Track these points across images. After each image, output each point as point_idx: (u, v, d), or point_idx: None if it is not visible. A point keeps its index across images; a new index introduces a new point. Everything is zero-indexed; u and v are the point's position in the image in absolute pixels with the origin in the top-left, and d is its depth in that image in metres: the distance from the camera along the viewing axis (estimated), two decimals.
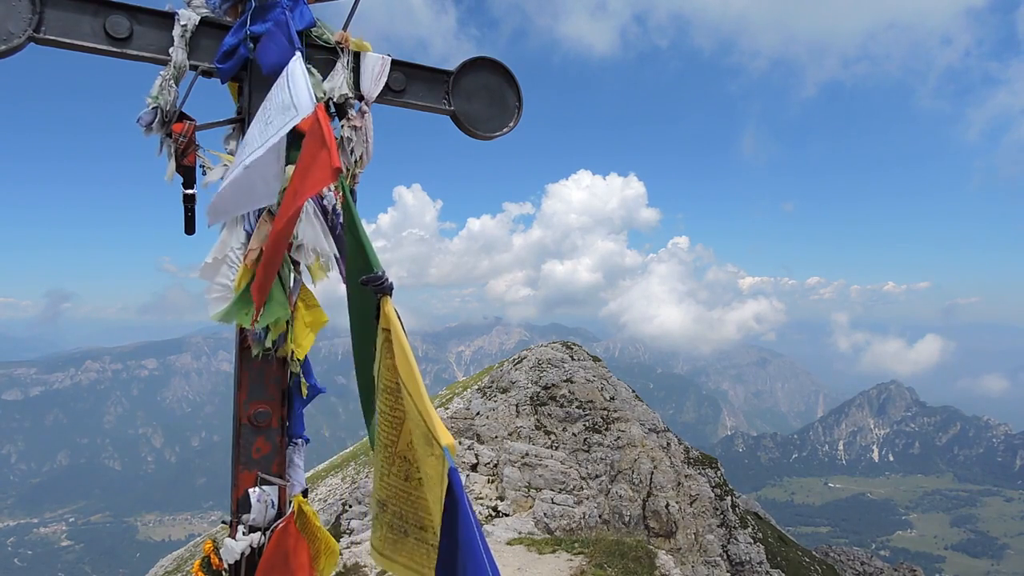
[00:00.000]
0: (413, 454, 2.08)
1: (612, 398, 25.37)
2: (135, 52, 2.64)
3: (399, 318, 2.09)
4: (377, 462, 2.32)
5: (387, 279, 2.14)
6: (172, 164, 2.64)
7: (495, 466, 20.65)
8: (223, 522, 2.85)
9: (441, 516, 1.78)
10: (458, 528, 1.65)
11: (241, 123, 2.81)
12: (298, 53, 2.55)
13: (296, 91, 2.38)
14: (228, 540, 2.67)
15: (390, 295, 2.14)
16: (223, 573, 2.73)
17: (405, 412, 2.05)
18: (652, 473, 22.88)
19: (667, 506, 22.17)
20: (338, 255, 2.88)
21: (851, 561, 37.75)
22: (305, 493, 2.84)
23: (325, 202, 2.85)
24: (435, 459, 1.79)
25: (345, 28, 2.96)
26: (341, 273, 2.83)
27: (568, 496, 20.30)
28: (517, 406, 24.33)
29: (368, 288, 2.15)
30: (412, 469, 2.14)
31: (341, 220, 2.85)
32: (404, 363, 1.96)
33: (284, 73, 2.45)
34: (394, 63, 3.07)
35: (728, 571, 24.03)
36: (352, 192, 2.91)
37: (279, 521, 2.69)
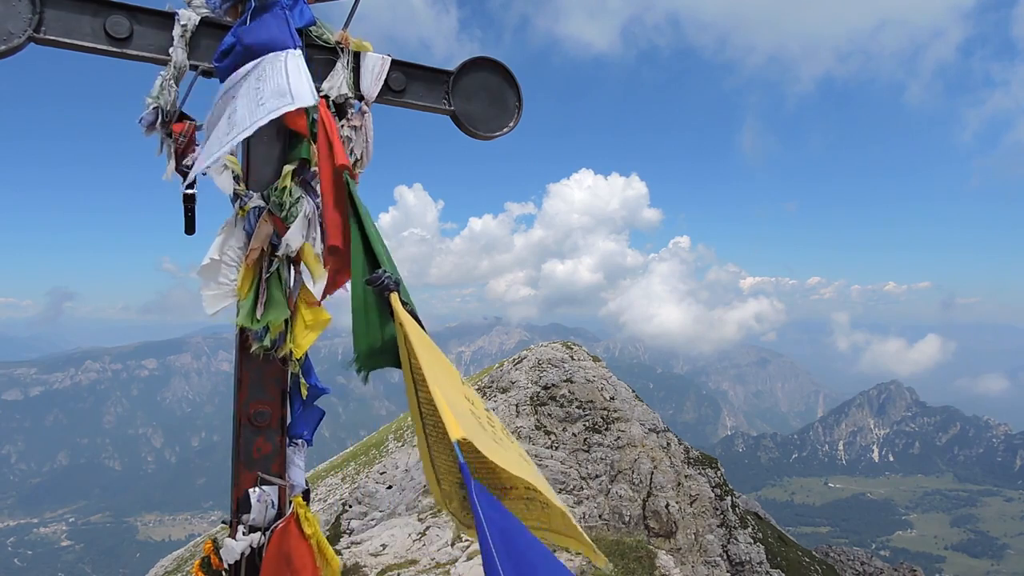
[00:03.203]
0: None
1: (612, 398, 25.36)
2: (135, 52, 2.64)
3: (412, 311, 2.11)
4: (445, 449, 2.31)
5: (388, 278, 2.14)
6: (172, 164, 2.64)
7: None
8: (223, 522, 2.85)
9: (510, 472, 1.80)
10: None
11: None
12: (298, 50, 2.56)
13: (294, 81, 2.40)
14: (228, 540, 2.67)
15: (396, 291, 2.15)
16: (223, 573, 2.73)
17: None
18: (652, 473, 22.87)
19: (667, 506, 22.16)
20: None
21: (851, 561, 37.74)
22: (307, 494, 2.84)
23: (318, 200, 2.86)
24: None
25: (345, 28, 2.96)
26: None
27: (568, 496, 20.30)
28: (517, 406, 24.32)
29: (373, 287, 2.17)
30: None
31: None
32: (424, 353, 1.97)
33: (283, 60, 2.47)
34: (394, 63, 3.07)
35: (728, 571, 24.01)
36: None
37: (279, 521, 2.69)
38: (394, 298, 2.12)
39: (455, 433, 1.73)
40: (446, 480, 2.43)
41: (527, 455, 2.13)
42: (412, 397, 2.32)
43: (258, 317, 2.64)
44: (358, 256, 2.33)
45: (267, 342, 2.71)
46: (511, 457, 1.95)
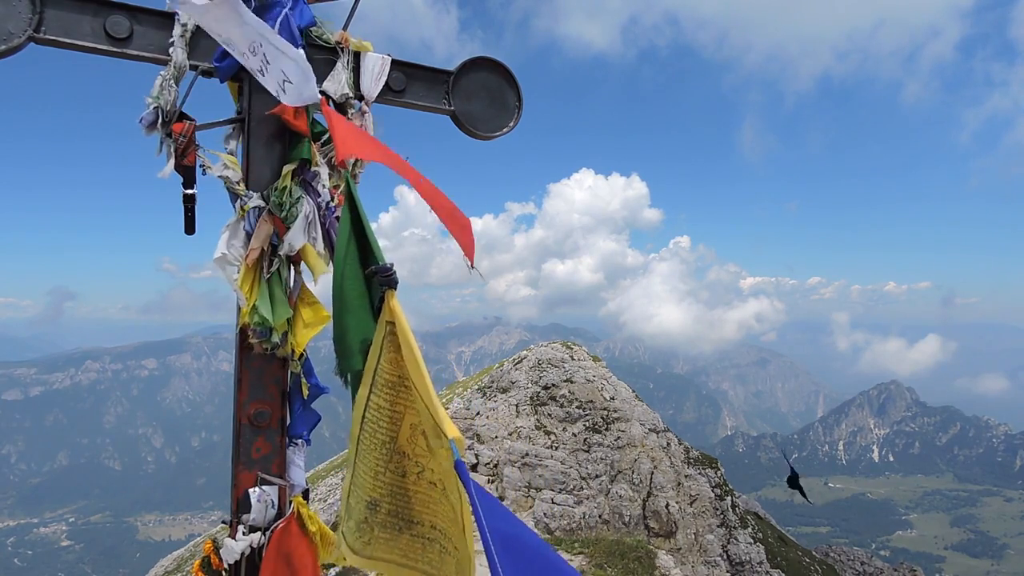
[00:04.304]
0: (414, 449, 2.07)
1: (612, 398, 25.36)
2: (135, 52, 2.64)
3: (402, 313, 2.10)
4: (369, 460, 2.27)
5: (395, 274, 2.15)
6: (171, 163, 2.64)
7: (495, 466, 20.67)
8: (223, 522, 2.85)
9: (461, 505, 1.78)
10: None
11: (241, 123, 2.81)
12: (300, 50, 2.57)
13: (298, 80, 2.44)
14: (228, 540, 2.68)
15: (395, 289, 2.15)
16: (223, 573, 2.73)
17: (407, 407, 2.04)
18: (652, 473, 22.87)
19: (667, 506, 22.16)
20: (331, 253, 2.89)
21: (851, 561, 37.72)
22: (306, 494, 2.84)
23: (320, 200, 2.86)
24: (445, 451, 1.80)
25: (345, 28, 2.96)
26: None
27: (568, 496, 20.32)
28: (517, 406, 24.32)
29: (374, 280, 2.17)
30: (410, 464, 2.12)
31: (336, 216, 2.87)
32: (410, 357, 1.96)
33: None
34: (394, 63, 3.07)
35: (728, 571, 24.01)
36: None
37: (279, 521, 2.70)
38: (392, 295, 2.12)
39: (451, 431, 1.74)
40: (355, 494, 2.38)
41: None
42: (362, 400, 2.27)
43: (264, 316, 2.65)
44: (351, 253, 2.32)
45: (276, 339, 2.72)
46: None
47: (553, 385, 25.02)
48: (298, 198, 2.75)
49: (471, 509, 1.60)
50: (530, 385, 25.26)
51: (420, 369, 1.93)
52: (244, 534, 2.66)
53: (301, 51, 2.52)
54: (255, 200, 2.70)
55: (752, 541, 26.12)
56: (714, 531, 24.73)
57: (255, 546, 2.66)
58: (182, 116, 2.67)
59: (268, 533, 2.67)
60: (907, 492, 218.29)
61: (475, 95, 3.27)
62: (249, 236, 2.69)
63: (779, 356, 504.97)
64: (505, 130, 3.35)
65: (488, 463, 20.59)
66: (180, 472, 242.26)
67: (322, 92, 2.83)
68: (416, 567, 2.16)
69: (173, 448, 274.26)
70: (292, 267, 2.84)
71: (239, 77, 2.79)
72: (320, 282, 2.89)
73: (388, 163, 2.31)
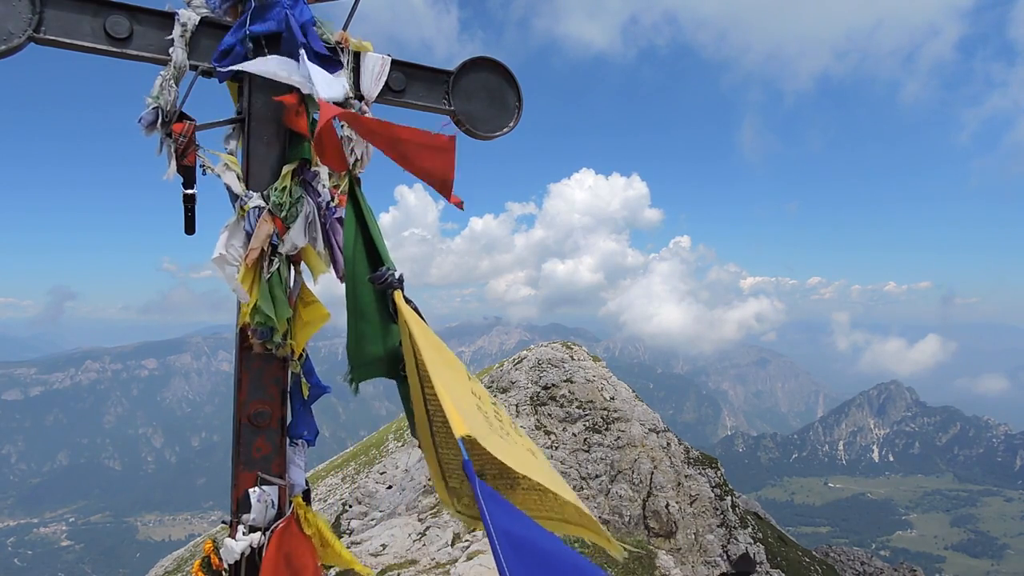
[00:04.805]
0: (487, 418, 2.13)
1: (612, 398, 25.35)
2: (135, 52, 2.64)
3: (416, 308, 2.12)
4: (454, 445, 2.32)
5: (391, 275, 2.16)
6: (172, 164, 2.64)
7: None
8: (223, 522, 2.85)
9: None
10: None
11: (241, 123, 2.81)
12: (302, 50, 2.57)
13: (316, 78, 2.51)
14: (228, 540, 2.68)
15: (400, 289, 2.16)
16: (223, 573, 2.73)
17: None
18: (652, 473, 22.87)
19: (667, 506, 22.16)
20: (330, 253, 2.89)
21: (851, 561, 37.68)
22: (307, 494, 2.84)
23: (320, 200, 2.86)
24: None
25: (345, 28, 2.96)
26: (337, 272, 2.84)
27: None
28: (517, 406, 24.32)
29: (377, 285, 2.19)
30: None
31: (336, 216, 2.87)
32: (429, 350, 1.99)
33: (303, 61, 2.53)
34: (394, 63, 3.07)
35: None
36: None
37: (279, 521, 2.70)
38: (398, 295, 2.13)
39: (459, 430, 1.74)
40: (454, 477, 2.44)
41: (537, 448, 2.15)
42: (418, 394, 2.33)
43: (267, 315, 2.65)
44: (360, 257, 2.33)
45: (278, 338, 2.72)
46: (518, 452, 1.95)
47: (553, 385, 25.02)
48: (298, 198, 2.75)
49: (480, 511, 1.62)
50: (530, 385, 25.26)
51: (442, 357, 1.97)
52: (244, 534, 2.66)
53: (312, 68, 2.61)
54: (255, 200, 2.70)
55: (752, 541, 26.10)
56: (714, 531, 24.72)
57: (255, 546, 2.66)
58: (182, 116, 2.67)
59: (268, 533, 2.67)
60: (907, 492, 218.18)
61: (475, 95, 3.27)
62: (249, 236, 2.69)
63: (779, 356, 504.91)
64: (505, 130, 3.35)
65: None
66: (180, 472, 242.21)
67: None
68: (541, 515, 2.21)
69: (173, 448, 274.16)
70: (292, 267, 2.84)
71: (239, 77, 2.79)
72: (320, 282, 2.89)
73: (349, 120, 2.38)
